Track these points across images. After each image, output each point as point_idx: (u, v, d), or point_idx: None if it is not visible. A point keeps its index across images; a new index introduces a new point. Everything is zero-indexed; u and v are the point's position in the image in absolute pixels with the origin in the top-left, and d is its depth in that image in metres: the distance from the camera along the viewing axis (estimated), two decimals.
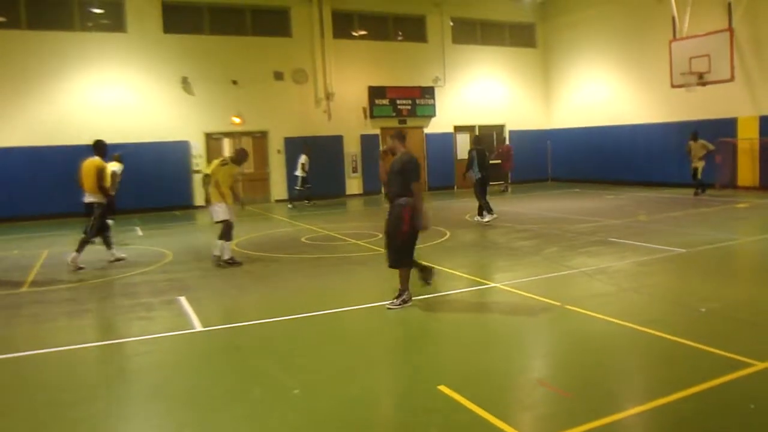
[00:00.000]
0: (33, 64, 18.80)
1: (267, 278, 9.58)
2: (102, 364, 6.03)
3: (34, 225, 17.45)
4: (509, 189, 22.89)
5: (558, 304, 7.28)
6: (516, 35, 26.75)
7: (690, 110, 20.09)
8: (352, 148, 23.44)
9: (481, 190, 14.17)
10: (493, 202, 15.44)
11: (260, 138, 22.23)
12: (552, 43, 26.69)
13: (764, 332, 6.11)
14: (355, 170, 23.51)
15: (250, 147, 22.07)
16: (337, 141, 23.06)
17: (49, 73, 18.99)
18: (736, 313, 6.75)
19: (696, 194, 17.83)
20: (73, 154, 18.88)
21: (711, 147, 17.64)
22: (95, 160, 10.88)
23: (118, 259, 11.24)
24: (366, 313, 7.48)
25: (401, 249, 7.48)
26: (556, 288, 8.25)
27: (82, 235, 10.84)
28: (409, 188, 7.38)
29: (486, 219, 14.12)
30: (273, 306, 7.95)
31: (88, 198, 10.81)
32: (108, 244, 11.32)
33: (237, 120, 21.49)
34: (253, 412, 4.72)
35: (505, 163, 23.28)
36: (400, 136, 7.87)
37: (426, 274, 8.11)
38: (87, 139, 18.73)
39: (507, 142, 24.66)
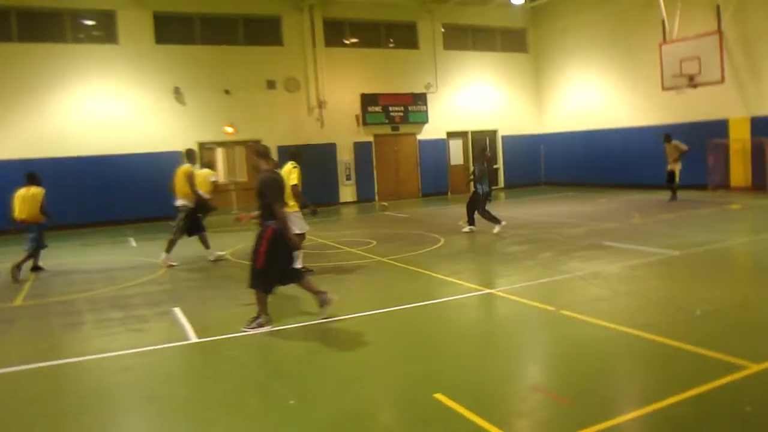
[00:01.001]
0: (25, 76, 18.76)
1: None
2: (95, 377, 5.99)
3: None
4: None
5: (553, 309, 7.28)
6: (507, 40, 26.83)
7: (681, 112, 20.18)
8: (345, 156, 23.45)
9: (483, 204, 13.69)
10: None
11: (253, 147, 22.18)
12: (543, 48, 26.78)
13: (759, 334, 6.11)
14: (348, 178, 23.51)
15: (243, 157, 22.12)
16: (330, 149, 23.07)
17: (41, 85, 18.95)
18: (730, 315, 6.76)
19: (672, 199, 17.59)
20: (67, 166, 19.00)
21: (684, 147, 17.48)
22: (186, 166, 12.01)
23: (219, 259, 11.98)
24: (361, 322, 7.46)
25: (258, 271, 7.03)
26: (550, 293, 8.25)
27: (170, 236, 11.84)
28: (272, 210, 6.97)
29: (465, 229, 13.85)
30: (271, 314, 7.91)
31: (177, 201, 11.94)
32: (205, 244, 12.16)
33: (230, 129, 21.48)
34: (249, 423, 4.70)
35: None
36: (260, 152, 7.42)
37: (319, 298, 7.49)
38: (81, 150, 18.94)
39: (488, 152, 24.41)
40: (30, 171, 12.45)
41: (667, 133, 17.99)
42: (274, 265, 7.02)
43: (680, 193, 17.87)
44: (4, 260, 12.85)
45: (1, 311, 8.77)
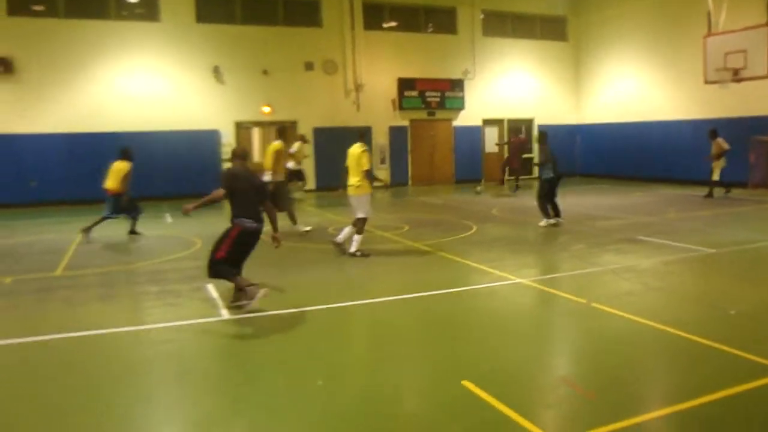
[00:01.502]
0: (68, 52, 19.11)
1: (293, 268, 9.66)
2: (130, 350, 6.14)
3: (67, 210, 17.76)
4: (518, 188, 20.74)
5: (584, 301, 7.25)
6: (547, 28, 26.49)
7: (723, 107, 19.77)
8: (380, 140, 23.46)
9: (550, 192, 12.98)
10: (512, 198, 15.30)
11: (289, 128, 22.30)
12: (583, 38, 26.39)
13: None
14: (383, 161, 23.52)
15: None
16: (365, 132, 23.06)
17: (83, 61, 19.28)
18: (766, 317, 6.67)
19: (728, 192, 17.40)
20: (108, 141, 19.31)
21: (726, 147, 17.08)
22: (276, 143, 12.60)
23: (306, 232, 12.46)
24: (390, 306, 7.52)
25: (215, 261, 7.17)
26: (582, 285, 8.21)
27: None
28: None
29: (542, 223, 12.88)
30: (299, 295, 8.02)
31: (266, 176, 12.31)
32: (290, 216, 12.61)
33: (267, 109, 21.63)
34: (277, 401, 4.80)
35: (513, 158, 21.57)
36: (234, 154, 7.70)
37: (240, 294, 7.29)
38: (121, 126, 19.27)
39: (522, 134, 24.04)
40: (124, 146, 13.25)
41: (713, 129, 17.60)
42: (228, 260, 7.21)
43: (714, 190, 17.60)
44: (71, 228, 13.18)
45: (41, 280, 9.01)
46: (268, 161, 12.48)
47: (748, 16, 18.08)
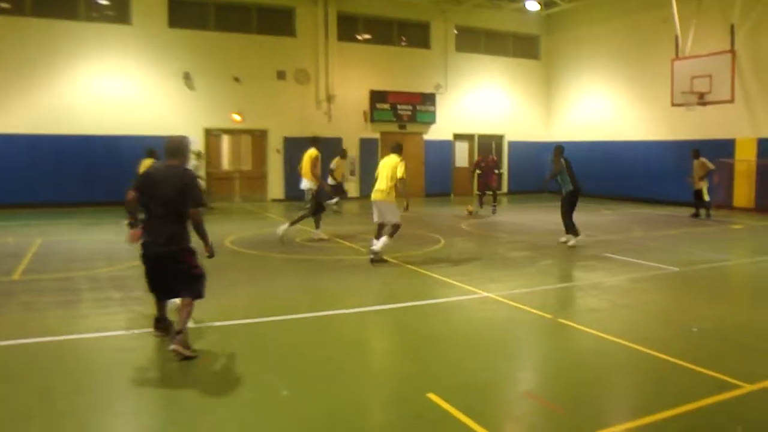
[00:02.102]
0: (36, 51, 18.79)
1: (259, 277, 9.56)
2: (90, 357, 6.00)
3: (30, 213, 17.39)
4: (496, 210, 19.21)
5: (550, 317, 7.28)
6: (519, 46, 26.82)
7: (689, 129, 20.17)
8: (351, 151, 23.43)
9: (570, 207, 12.50)
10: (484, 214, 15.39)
11: (259, 137, 22.23)
12: (555, 56, 26.77)
13: (755, 354, 6.12)
14: (353, 173, 23.50)
15: (249, 145, 22.15)
16: (336, 143, 23.05)
17: (51, 61, 18.97)
18: (727, 334, 6.76)
19: (696, 215, 17.43)
20: (73, 144, 19.01)
21: (711, 166, 17.22)
22: (311, 151, 12.83)
23: (321, 239, 12.68)
24: (357, 318, 7.47)
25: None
26: (549, 301, 8.26)
27: (300, 213, 12.82)
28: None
29: (571, 242, 12.26)
30: (264, 305, 7.93)
31: (302, 184, 12.85)
32: (317, 224, 12.91)
33: (237, 117, 21.50)
34: (242, 412, 4.71)
35: (489, 178, 20.00)
36: (167, 149, 6.33)
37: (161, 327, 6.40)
38: (88, 129, 18.97)
39: (493, 155, 23.62)
40: (149, 146, 13.94)
41: (696, 149, 17.63)
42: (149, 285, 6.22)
43: (681, 210, 17.87)
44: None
45: None
46: (305, 168, 12.84)
47: (714, 42, 18.55)
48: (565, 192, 12.56)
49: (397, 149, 10.69)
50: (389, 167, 10.37)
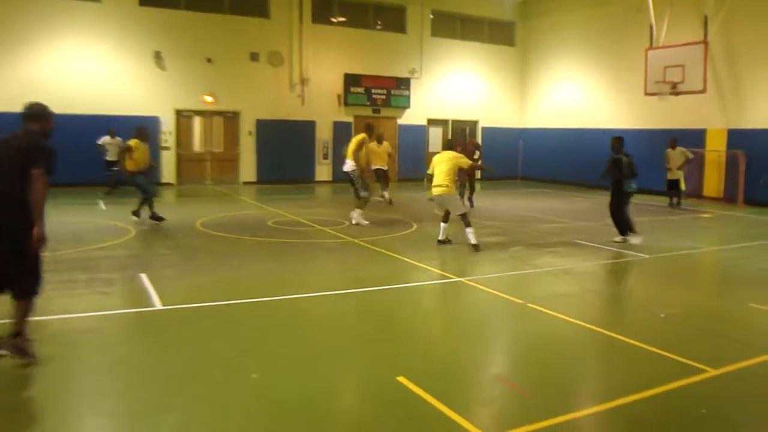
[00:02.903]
0: (3, 26, 18.28)
1: (230, 260, 9.46)
2: (56, 338, 5.88)
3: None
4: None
5: (521, 302, 7.31)
6: (495, 32, 26.80)
7: (662, 119, 20.35)
8: (324, 135, 23.29)
9: (623, 204, 11.53)
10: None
11: (232, 118, 21.97)
12: (530, 43, 26.80)
13: (719, 340, 6.21)
14: (326, 156, 23.35)
15: (221, 127, 21.88)
16: (309, 126, 22.91)
17: (17, 38, 18.46)
18: (694, 321, 6.85)
19: (672, 204, 17.45)
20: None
21: (690, 155, 17.28)
22: (361, 135, 13.16)
23: (358, 224, 12.78)
24: (328, 301, 7.43)
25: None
26: (520, 286, 8.29)
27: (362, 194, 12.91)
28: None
29: (635, 240, 11.25)
30: (235, 288, 7.85)
31: (346, 166, 13.05)
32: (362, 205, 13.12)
33: (209, 99, 21.20)
34: (211, 393, 4.66)
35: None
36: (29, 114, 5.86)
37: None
38: (56, 107, 18.54)
39: (472, 137, 23.17)
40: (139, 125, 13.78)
41: (674, 137, 17.68)
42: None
43: (653, 198, 18.03)
44: None
45: None
46: (350, 150, 13.04)
47: (688, 33, 18.67)
48: (629, 190, 11.40)
49: (447, 146, 11.30)
50: (450, 161, 10.60)
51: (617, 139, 11.82)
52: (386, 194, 15.56)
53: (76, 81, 19.17)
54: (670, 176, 17.48)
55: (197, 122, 21.58)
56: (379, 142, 15.73)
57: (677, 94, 18.37)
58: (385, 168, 15.87)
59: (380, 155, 15.57)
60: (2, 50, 18.31)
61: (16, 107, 19.17)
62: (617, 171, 11.41)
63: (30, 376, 4.87)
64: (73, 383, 4.85)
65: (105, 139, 18.10)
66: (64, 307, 6.69)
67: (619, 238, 11.45)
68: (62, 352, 5.49)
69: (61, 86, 18.85)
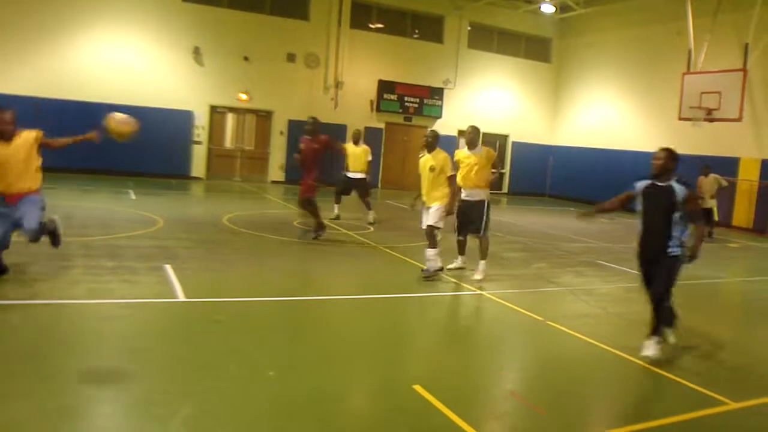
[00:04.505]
0: (45, 14, 18.65)
1: (254, 257, 9.55)
2: (79, 322, 5.99)
3: None
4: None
5: (541, 319, 7.28)
6: (531, 48, 26.74)
7: (694, 145, 20.10)
8: (361, 144, 23.31)
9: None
10: None
11: (265, 117, 22.17)
12: (566, 61, 26.70)
13: (741, 373, 6.12)
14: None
15: (254, 125, 22.09)
16: (340, 130, 22.98)
17: (59, 25, 18.84)
18: (716, 352, 6.77)
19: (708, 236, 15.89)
20: (77, 109, 18.91)
21: (724, 183, 16.36)
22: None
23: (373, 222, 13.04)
24: (348, 304, 7.47)
25: None
26: (541, 303, 8.25)
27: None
28: None
29: None
30: (258, 285, 7.93)
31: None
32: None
33: (244, 96, 21.43)
34: (226, 387, 4.70)
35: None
36: None
37: None
38: (93, 96, 18.90)
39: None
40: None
41: (707, 164, 16.53)
42: None
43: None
44: None
45: None
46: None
47: (727, 59, 18.47)
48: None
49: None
50: (484, 157, 9.20)
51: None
52: (371, 216, 13.70)
53: (114, 71, 19.50)
54: (701, 205, 16.57)
55: (230, 119, 21.82)
56: (356, 142, 13.91)
57: (712, 120, 18.17)
58: (363, 176, 13.75)
59: (356, 159, 13.68)
60: (41, 36, 18.66)
61: (55, 94, 19.70)
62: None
63: (47, 357, 4.97)
64: (93, 368, 4.94)
65: None
66: (89, 293, 6.81)
67: None
68: (84, 336, 5.59)
69: (99, 76, 19.24)
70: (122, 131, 7.62)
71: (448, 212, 8.84)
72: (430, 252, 8.79)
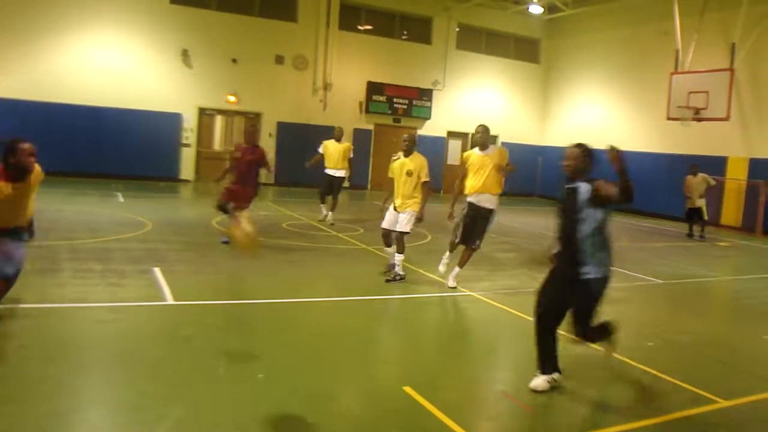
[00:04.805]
0: (30, 15, 18.49)
1: (243, 260, 9.47)
2: (67, 326, 5.93)
3: None
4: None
5: (532, 319, 7.25)
6: (520, 49, 26.80)
7: (682, 144, 20.23)
8: (343, 141, 23.30)
9: None
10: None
11: (253, 119, 22.09)
12: (555, 61, 26.78)
13: (731, 371, 6.14)
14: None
15: (242, 127, 21.98)
16: (329, 132, 22.85)
17: (46, 27, 18.66)
18: (705, 349, 6.78)
19: (691, 235, 16.21)
20: (61, 113, 18.78)
21: (712, 182, 16.34)
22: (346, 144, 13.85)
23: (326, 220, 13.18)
24: (338, 306, 7.44)
25: None
26: (531, 303, 8.21)
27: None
28: None
29: None
30: (246, 287, 7.89)
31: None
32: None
33: (232, 99, 21.35)
34: (216, 390, 4.67)
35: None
36: None
37: None
38: (80, 99, 18.77)
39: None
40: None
41: (695, 163, 16.58)
42: None
43: (669, 224, 17.87)
44: None
45: None
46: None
47: (714, 59, 18.58)
48: None
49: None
50: (498, 155, 9.04)
51: None
52: (330, 214, 13.58)
53: (99, 72, 19.33)
54: (689, 204, 16.22)
55: (219, 121, 21.74)
56: (338, 140, 13.91)
57: (700, 120, 18.27)
58: (339, 174, 13.82)
59: (338, 157, 13.69)
60: (27, 38, 18.48)
61: (40, 97, 19.46)
62: None
63: (38, 362, 4.90)
64: (81, 372, 4.88)
65: None
66: (77, 297, 6.75)
67: None
68: (72, 340, 5.53)
69: (86, 78, 19.11)
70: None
71: (419, 219, 8.61)
72: (399, 257, 8.58)
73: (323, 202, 13.89)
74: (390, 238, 8.72)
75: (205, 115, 21.35)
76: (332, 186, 13.78)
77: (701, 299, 9.77)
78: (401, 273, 8.62)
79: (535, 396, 5.09)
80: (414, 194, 8.54)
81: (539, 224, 17.11)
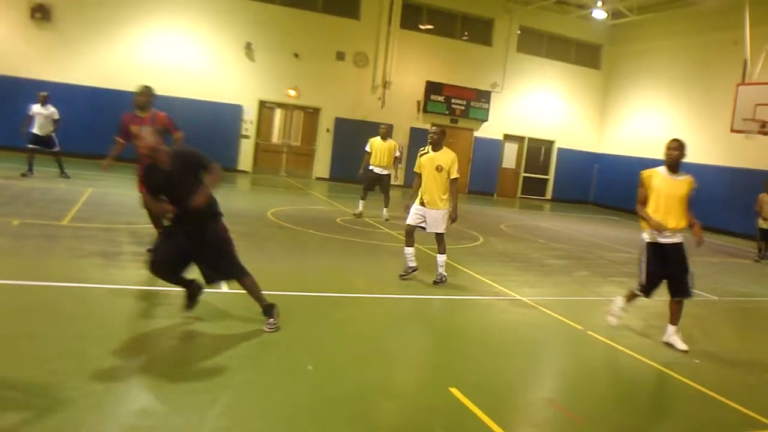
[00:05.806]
0: (106, 7, 19.15)
1: (297, 252, 9.69)
2: (123, 306, 6.17)
3: (84, 163, 17.80)
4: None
5: (581, 328, 7.24)
6: (581, 54, 26.44)
7: (746, 158, 19.67)
8: (400, 139, 23.36)
9: None
10: (521, 215, 15.18)
11: (312, 114, 22.39)
12: (616, 68, 26.32)
13: None
14: (399, 161, 23.44)
15: (301, 121, 22.33)
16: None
17: (119, 17, 19.33)
18: (759, 371, 6.64)
19: (762, 257, 14.83)
20: (128, 100, 19.26)
21: None
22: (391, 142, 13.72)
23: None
24: (388, 303, 7.53)
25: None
26: (581, 312, 8.19)
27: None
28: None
29: None
30: (298, 279, 8.03)
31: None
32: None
33: (293, 93, 21.68)
34: (265, 379, 4.81)
35: None
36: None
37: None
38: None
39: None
40: None
41: None
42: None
43: (726, 239, 17.39)
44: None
45: (47, 227, 9.07)
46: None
47: None
48: None
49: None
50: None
51: None
52: (385, 211, 13.77)
53: (167, 63, 19.89)
54: (761, 224, 14.68)
55: (278, 114, 22.10)
56: (384, 138, 13.89)
57: (766, 134, 17.75)
58: (385, 173, 13.95)
59: (384, 155, 13.77)
60: (103, 28, 19.16)
61: (110, 84, 19.96)
62: None
63: (98, 338, 5.13)
64: (132, 350, 5.09)
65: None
66: (138, 279, 7.00)
67: None
68: (127, 319, 5.76)
69: (153, 67, 19.60)
70: None
71: (453, 219, 8.44)
72: (442, 258, 8.48)
73: (363, 198, 13.96)
74: (413, 236, 8.54)
75: (265, 107, 21.73)
76: (376, 184, 13.87)
77: (758, 319, 9.51)
78: (445, 274, 8.59)
79: (580, 405, 5.09)
80: (445, 192, 8.34)
81: (592, 232, 16.90)
